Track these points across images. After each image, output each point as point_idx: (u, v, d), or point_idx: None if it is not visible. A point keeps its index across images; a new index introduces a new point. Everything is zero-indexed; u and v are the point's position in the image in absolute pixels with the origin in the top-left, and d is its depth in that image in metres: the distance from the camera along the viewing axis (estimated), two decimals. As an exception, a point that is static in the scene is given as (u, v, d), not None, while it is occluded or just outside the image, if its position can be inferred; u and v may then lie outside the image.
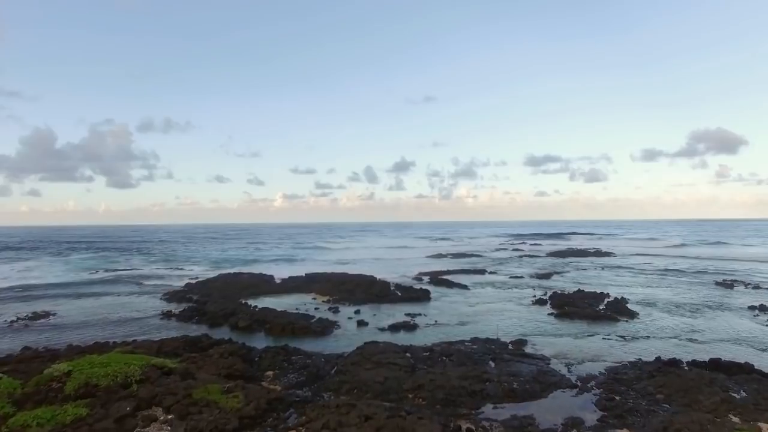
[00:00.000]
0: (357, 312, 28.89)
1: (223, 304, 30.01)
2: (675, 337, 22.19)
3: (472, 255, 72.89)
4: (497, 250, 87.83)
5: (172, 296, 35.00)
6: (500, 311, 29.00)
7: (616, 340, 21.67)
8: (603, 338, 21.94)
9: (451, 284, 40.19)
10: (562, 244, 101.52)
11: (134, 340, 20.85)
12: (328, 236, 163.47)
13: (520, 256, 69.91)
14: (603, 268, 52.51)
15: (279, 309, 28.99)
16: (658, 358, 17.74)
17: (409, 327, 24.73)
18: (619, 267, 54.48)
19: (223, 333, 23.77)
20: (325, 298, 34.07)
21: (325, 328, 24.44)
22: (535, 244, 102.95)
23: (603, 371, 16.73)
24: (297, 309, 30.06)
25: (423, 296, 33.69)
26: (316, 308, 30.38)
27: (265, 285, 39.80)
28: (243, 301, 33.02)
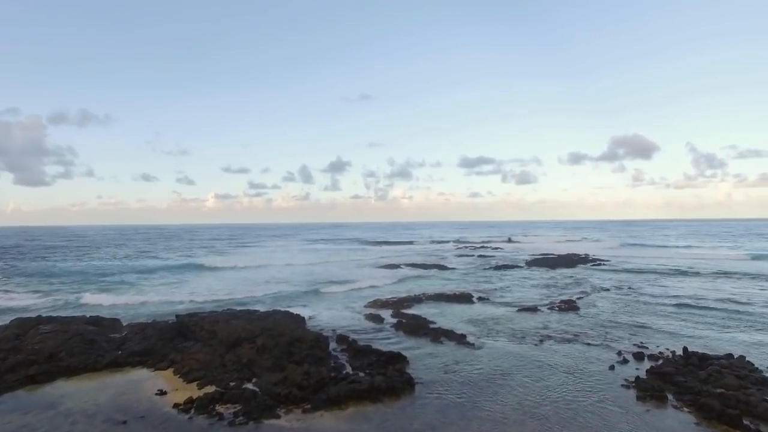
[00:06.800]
0: (244, 467, 10.81)
1: None
2: None
3: (434, 266, 56.68)
4: (459, 257, 72.79)
5: None
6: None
7: None
8: None
9: (435, 333, 23.17)
10: (529, 248, 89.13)
11: None
12: (253, 239, 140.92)
13: (497, 267, 54.79)
14: (628, 288, 37.93)
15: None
16: None
17: None
18: (680, 299, 31.53)
19: None
20: (189, 393, 15.53)
21: None
22: (497, 248, 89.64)
23: None
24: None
25: (398, 382, 16.11)
26: (141, 446, 11.95)
27: (83, 349, 20.04)
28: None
